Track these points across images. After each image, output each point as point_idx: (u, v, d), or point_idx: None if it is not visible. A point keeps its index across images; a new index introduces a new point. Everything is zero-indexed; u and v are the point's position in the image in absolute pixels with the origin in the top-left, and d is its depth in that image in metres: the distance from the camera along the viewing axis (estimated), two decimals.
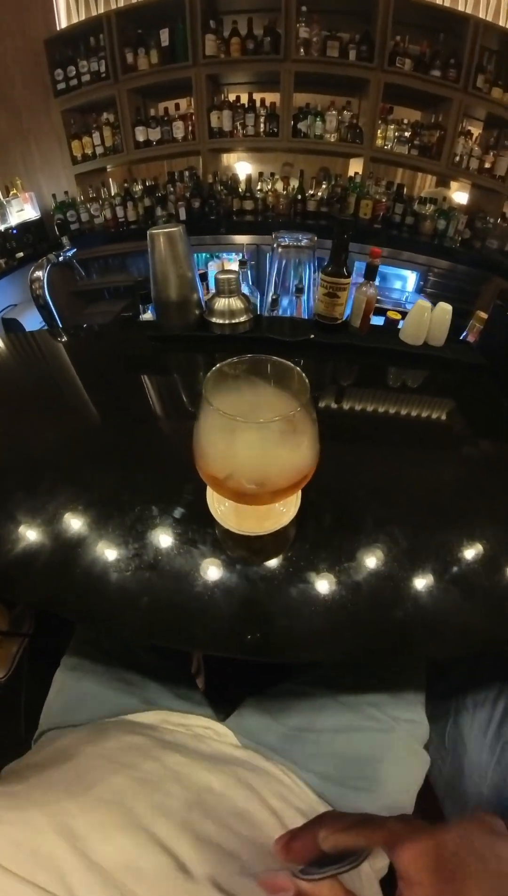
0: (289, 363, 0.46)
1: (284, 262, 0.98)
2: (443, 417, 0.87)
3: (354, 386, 0.93)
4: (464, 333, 1.20)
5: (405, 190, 2.64)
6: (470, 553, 0.56)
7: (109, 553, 0.54)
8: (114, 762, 0.44)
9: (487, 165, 2.50)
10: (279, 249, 0.95)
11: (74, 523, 0.57)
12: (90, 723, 0.55)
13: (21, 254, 2.68)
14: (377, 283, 0.97)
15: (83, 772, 0.43)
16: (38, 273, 1.18)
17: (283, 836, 0.28)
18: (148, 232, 0.90)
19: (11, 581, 0.53)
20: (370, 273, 0.93)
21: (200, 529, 0.57)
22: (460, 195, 2.74)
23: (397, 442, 0.79)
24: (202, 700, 0.60)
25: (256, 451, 0.42)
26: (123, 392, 0.87)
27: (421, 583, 0.53)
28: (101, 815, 0.37)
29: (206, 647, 0.50)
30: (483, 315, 1.10)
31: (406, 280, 2.87)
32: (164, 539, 0.56)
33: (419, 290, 2.73)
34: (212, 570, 0.53)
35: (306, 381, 0.44)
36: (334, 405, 0.85)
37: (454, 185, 2.77)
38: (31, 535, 0.56)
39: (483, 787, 0.57)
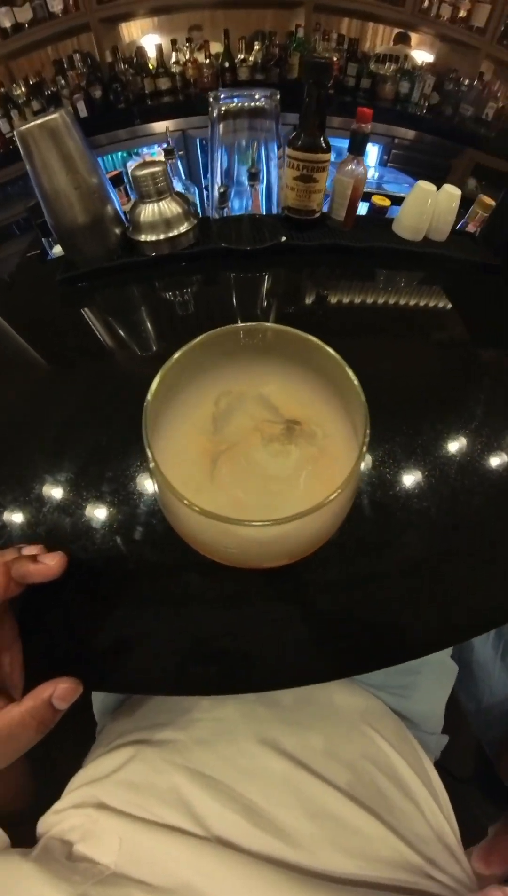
0: (318, 342, 0.30)
1: (229, 138, 0.76)
2: (459, 336, 0.75)
3: (343, 301, 0.76)
4: (462, 222, 1.05)
5: (358, 46, 2.31)
6: None
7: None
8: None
9: (462, 14, 2.18)
10: (221, 124, 0.73)
11: None
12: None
13: None
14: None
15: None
16: None
17: (480, 850, 0.33)
18: (16, 132, 0.62)
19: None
20: (358, 145, 0.73)
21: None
22: (421, 54, 2.42)
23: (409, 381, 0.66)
24: None
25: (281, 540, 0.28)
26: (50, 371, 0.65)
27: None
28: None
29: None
30: (489, 201, 0.94)
31: (367, 155, 2.60)
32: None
33: (382, 164, 2.48)
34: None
35: (359, 386, 0.28)
36: (319, 332, 0.70)
37: (415, 39, 2.44)
38: None
39: (491, 683, 0.69)
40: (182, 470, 0.27)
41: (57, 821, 0.41)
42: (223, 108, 0.68)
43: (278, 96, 0.69)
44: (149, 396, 0.27)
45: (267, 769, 0.44)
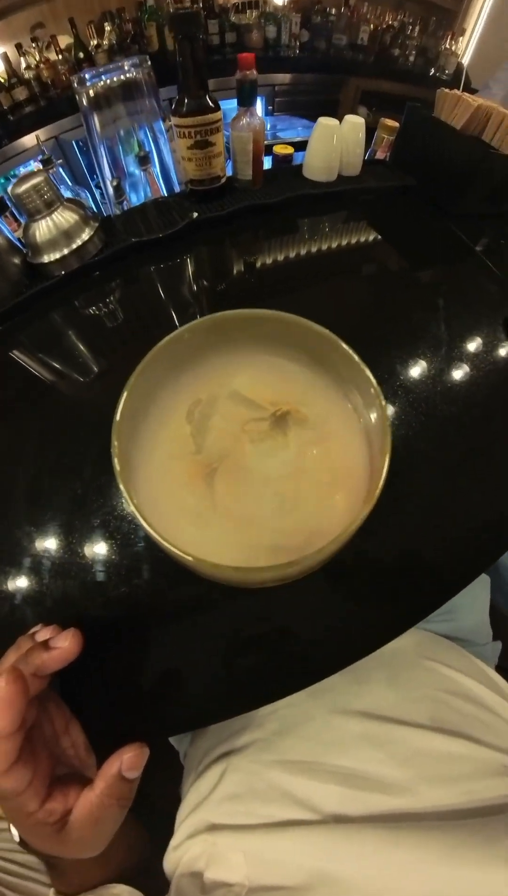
0: (274, 313, 0.28)
1: (109, 130, 0.72)
2: (399, 266, 0.74)
3: (273, 260, 0.73)
4: (369, 151, 1.03)
5: (213, 1, 2.23)
6: None
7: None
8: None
9: None
10: (96, 116, 0.68)
11: None
12: None
13: None
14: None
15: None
16: None
17: None
18: None
19: None
20: (247, 94, 0.69)
21: None
22: None
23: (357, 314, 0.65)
24: None
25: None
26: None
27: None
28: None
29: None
30: (392, 123, 0.93)
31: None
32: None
33: (269, 114, 2.42)
34: None
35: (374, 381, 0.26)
36: (258, 297, 0.68)
37: None
38: None
39: None
40: (179, 507, 0.25)
41: (179, 856, 0.43)
42: (92, 91, 0.63)
43: (149, 62, 0.64)
44: (116, 460, 0.24)
45: (349, 734, 0.46)
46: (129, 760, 0.30)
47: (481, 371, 0.56)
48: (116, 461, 0.24)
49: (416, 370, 0.56)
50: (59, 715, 0.34)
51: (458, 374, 0.56)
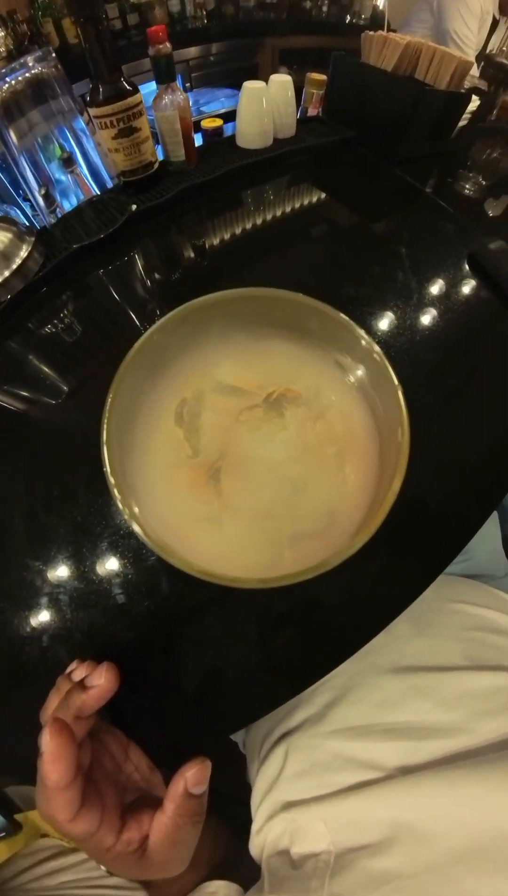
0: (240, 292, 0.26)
1: (26, 141, 0.69)
2: (354, 221, 0.73)
3: (223, 239, 0.71)
4: (300, 109, 1.01)
5: None
6: None
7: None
8: None
9: None
10: (9, 126, 0.64)
11: None
12: None
13: None
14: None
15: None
16: None
17: None
18: None
19: None
20: (164, 70, 0.66)
21: None
22: None
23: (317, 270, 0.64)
24: None
25: None
26: None
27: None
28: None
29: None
30: (319, 76, 0.90)
31: None
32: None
33: (188, 91, 2.36)
34: None
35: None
36: (216, 279, 0.66)
37: None
38: None
39: None
40: (188, 516, 0.24)
41: (262, 839, 0.44)
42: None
43: (53, 53, 0.61)
44: (112, 480, 0.22)
45: (394, 690, 0.48)
46: (193, 777, 0.30)
47: (456, 312, 0.56)
48: (113, 486, 0.22)
49: (393, 323, 0.54)
50: (116, 743, 0.34)
51: (435, 319, 0.55)
